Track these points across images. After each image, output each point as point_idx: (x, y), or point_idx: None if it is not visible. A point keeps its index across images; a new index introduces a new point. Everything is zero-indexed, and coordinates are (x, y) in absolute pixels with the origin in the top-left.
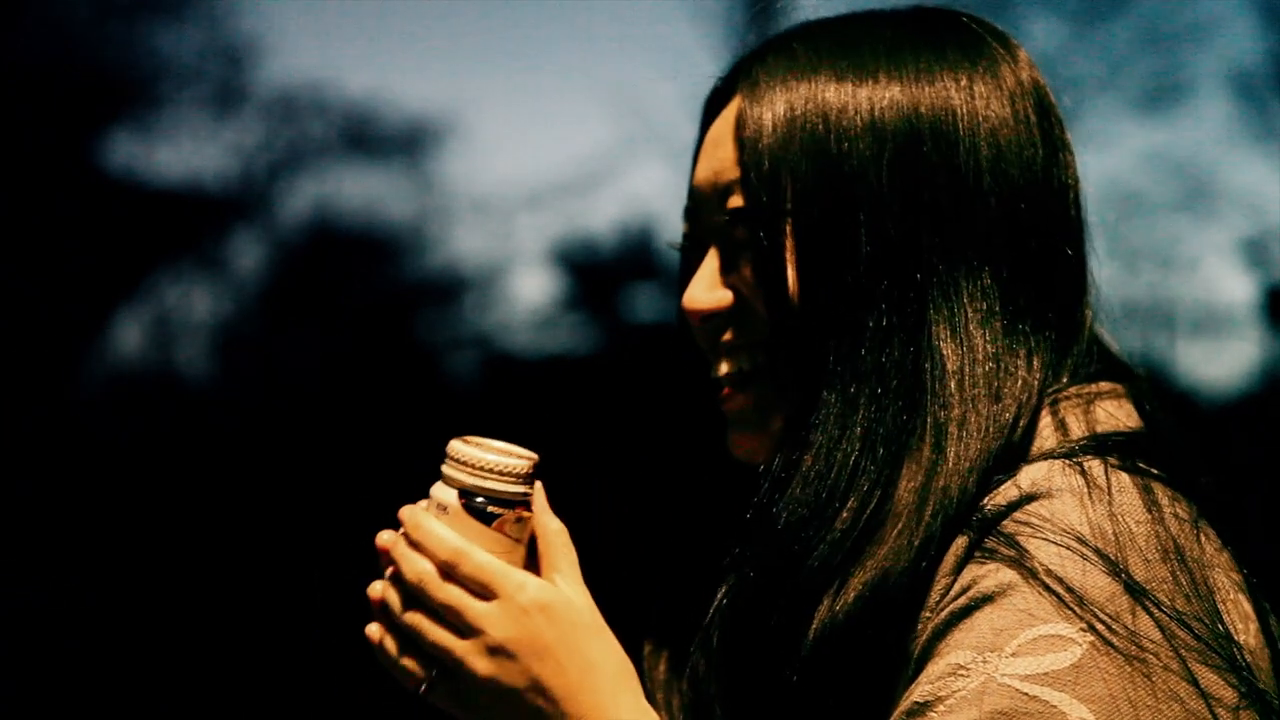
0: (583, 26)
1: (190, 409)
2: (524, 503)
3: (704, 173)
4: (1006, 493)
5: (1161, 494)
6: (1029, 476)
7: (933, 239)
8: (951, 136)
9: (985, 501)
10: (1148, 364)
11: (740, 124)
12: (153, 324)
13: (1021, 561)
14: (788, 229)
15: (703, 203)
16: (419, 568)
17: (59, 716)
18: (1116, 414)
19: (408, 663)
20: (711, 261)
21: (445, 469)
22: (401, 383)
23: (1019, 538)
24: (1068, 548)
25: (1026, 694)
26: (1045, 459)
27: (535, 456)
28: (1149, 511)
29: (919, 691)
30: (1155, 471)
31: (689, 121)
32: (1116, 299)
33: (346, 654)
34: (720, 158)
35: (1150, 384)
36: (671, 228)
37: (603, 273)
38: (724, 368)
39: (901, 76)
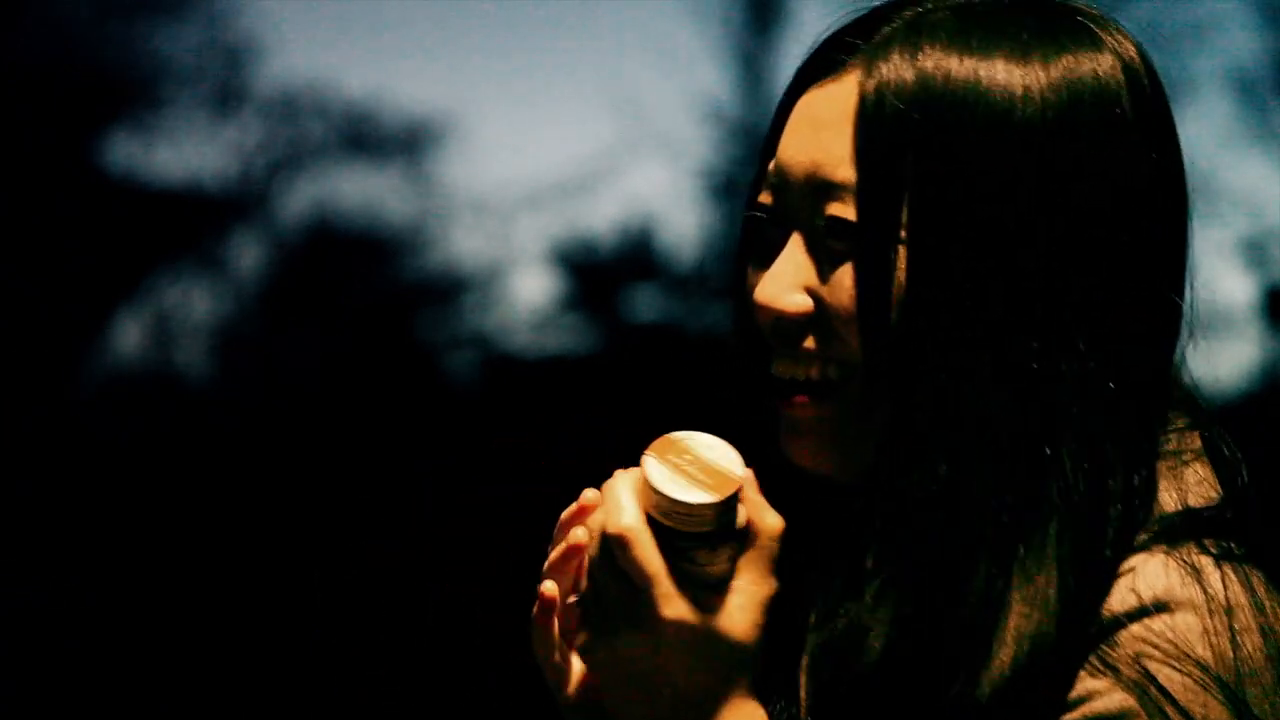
0: (583, 27)
1: (190, 409)
2: (720, 538)
3: (799, 154)
4: (1124, 598)
5: (1264, 594)
6: (1146, 583)
7: (1068, 292)
8: (1099, 174)
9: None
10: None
11: (863, 123)
12: (153, 324)
13: (1144, 689)
14: (900, 255)
15: (792, 187)
16: (588, 531)
17: (59, 716)
18: (1206, 478)
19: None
20: (795, 257)
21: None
22: (401, 383)
23: (1142, 659)
24: (1190, 676)
25: None
26: (1151, 549)
27: (736, 484)
28: (1261, 628)
29: None
30: (1243, 552)
31: (689, 122)
32: None
33: (346, 654)
34: (825, 148)
35: (1218, 421)
36: (671, 227)
37: (603, 273)
38: (794, 370)
39: (1051, 107)
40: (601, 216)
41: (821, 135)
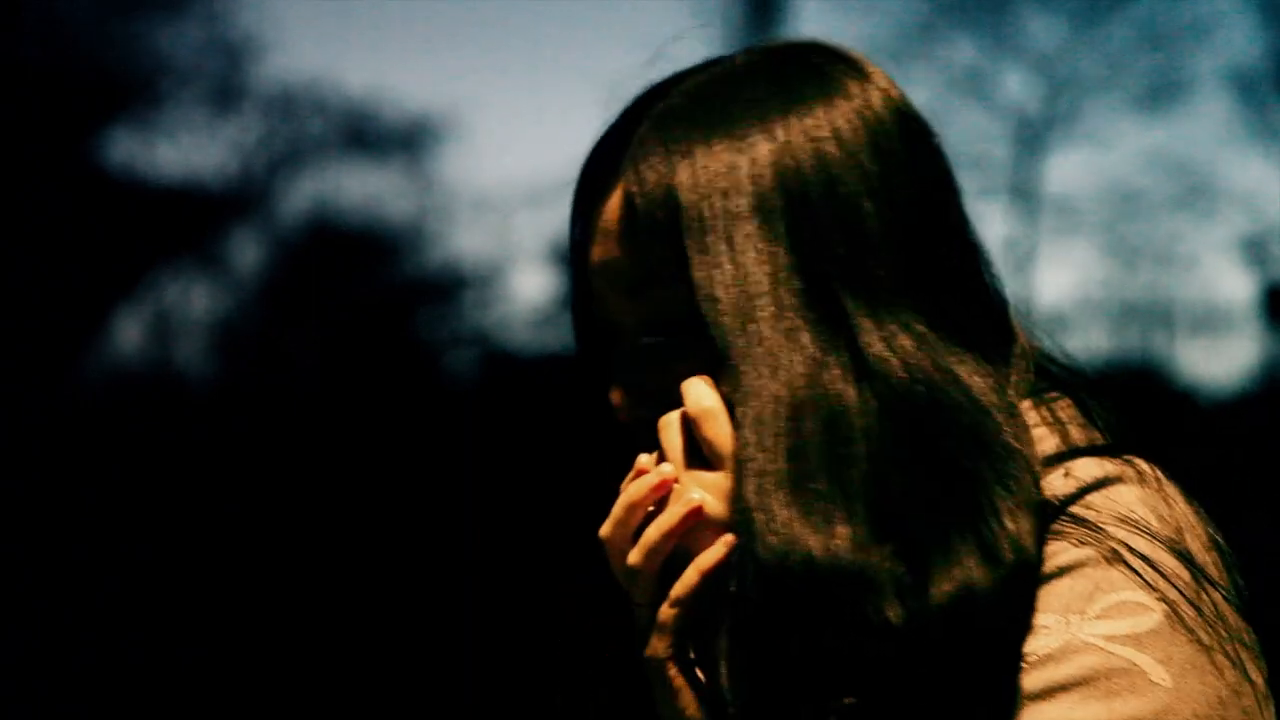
0: (583, 25)
1: (190, 408)
2: None
3: (608, 271)
4: (1064, 484)
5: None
6: (1084, 472)
7: (843, 299)
8: (839, 192)
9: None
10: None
11: (630, 223)
12: (153, 323)
13: (1094, 541)
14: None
15: (609, 293)
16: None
17: (59, 716)
18: (1085, 431)
19: None
20: (631, 365)
21: None
22: (401, 380)
23: (1088, 520)
24: (1135, 530)
25: (1111, 652)
26: (1085, 455)
27: None
28: (1190, 503)
29: None
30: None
31: None
32: (1116, 298)
33: (346, 653)
34: (615, 255)
35: (1101, 397)
36: None
37: None
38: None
39: (775, 146)
40: None
41: (610, 242)
